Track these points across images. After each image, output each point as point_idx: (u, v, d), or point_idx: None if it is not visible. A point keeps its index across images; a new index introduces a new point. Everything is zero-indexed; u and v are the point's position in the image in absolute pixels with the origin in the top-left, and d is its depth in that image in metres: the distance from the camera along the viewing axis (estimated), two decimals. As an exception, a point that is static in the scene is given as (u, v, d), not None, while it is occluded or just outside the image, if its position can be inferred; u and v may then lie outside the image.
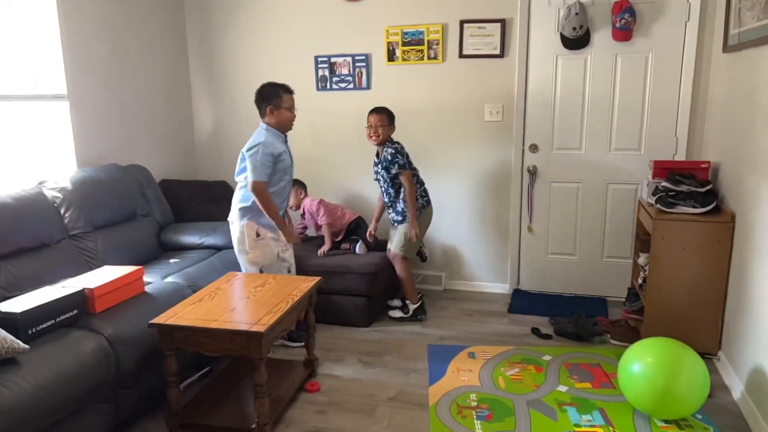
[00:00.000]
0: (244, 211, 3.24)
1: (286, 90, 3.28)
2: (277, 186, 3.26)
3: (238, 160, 3.26)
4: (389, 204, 3.79)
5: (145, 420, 2.74)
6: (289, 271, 3.41)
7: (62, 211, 3.18)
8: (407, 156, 3.70)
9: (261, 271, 3.26)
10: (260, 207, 3.18)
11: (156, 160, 4.27)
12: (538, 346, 3.43)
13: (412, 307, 3.85)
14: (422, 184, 3.84)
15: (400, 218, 3.74)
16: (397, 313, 3.88)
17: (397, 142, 3.71)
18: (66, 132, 3.52)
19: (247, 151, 3.16)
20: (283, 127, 3.28)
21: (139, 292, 2.88)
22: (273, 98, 3.22)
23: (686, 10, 3.66)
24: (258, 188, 3.14)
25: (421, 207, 3.78)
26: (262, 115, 3.26)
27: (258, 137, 3.20)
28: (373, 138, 3.66)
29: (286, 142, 3.33)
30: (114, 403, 2.52)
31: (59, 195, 3.19)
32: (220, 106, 4.68)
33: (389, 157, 3.61)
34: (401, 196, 3.69)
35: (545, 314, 3.86)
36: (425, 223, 3.86)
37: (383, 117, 3.64)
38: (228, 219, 3.35)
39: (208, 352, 2.51)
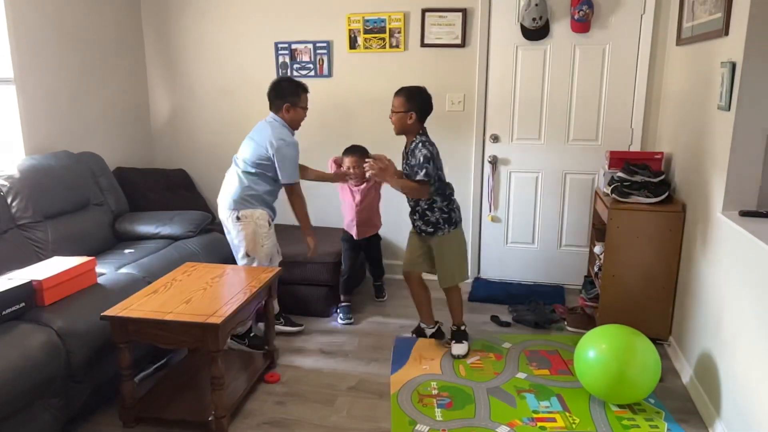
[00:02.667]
0: (257, 201, 3.16)
1: (305, 89, 3.24)
2: (272, 180, 3.20)
3: (252, 148, 3.13)
4: (412, 210, 3.20)
5: (99, 414, 2.67)
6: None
7: (9, 200, 3.06)
8: (438, 162, 3.05)
9: (270, 261, 3.26)
10: (294, 208, 3.20)
11: (110, 147, 4.14)
12: (498, 333, 3.48)
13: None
14: (452, 201, 3.18)
15: (431, 229, 3.14)
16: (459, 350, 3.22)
17: (430, 143, 3.04)
18: (13, 118, 3.37)
19: (277, 150, 3.06)
20: (296, 125, 3.24)
21: (92, 284, 2.80)
22: (292, 96, 3.16)
23: (642, 3, 3.73)
24: (297, 190, 3.17)
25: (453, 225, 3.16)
26: (276, 109, 3.18)
27: (281, 132, 3.12)
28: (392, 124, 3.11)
29: None
30: (65, 398, 2.44)
31: (6, 183, 3.06)
32: (177, 92, 4.56)
33: (421, 159, 2.96)
34: (435, 204, 3.09)
35: (504, 302, 3.91)
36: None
37: (401, 100, 3.04)
38: (228, 208, 3.16)
39: (163, 345, 2.47)
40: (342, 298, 3.75)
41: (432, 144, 3.05)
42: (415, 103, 3.01)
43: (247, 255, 3.19)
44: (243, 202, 3.15)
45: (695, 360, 2.82)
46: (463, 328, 3.27)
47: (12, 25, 3.29)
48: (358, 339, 3.44)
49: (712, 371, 2.56)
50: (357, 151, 3.67)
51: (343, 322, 3.65)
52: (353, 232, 3.76)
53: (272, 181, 3.21)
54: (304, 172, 3.47)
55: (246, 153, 3.19)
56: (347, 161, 3.65)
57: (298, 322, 3.54)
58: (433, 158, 2.98)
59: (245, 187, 3.16)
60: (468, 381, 2.92)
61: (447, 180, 3.18)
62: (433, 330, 3.40)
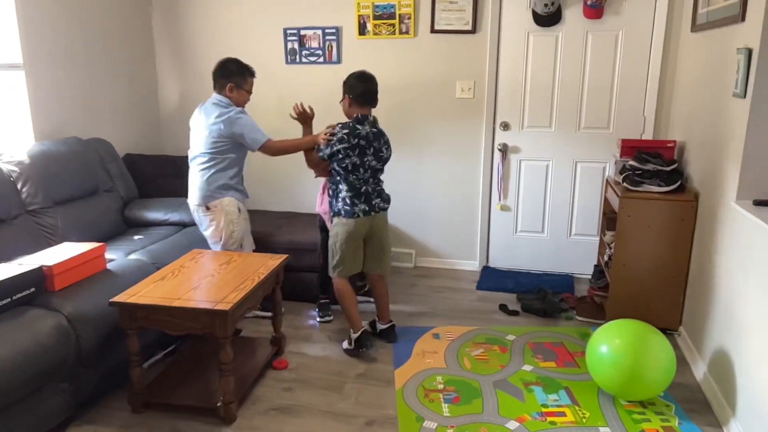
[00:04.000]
0: (223, 188, 3.13)
1: (251, 73, 3.22)
2: (234, 161, 3.16)
3: (204, 137, 3.09)
4: (373, 190, 3.13)
5: (108, 399, 2.69)
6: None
7: (19, 186, 3.07)
8: (344, 145, 2.98)
9: (241, 246, 3.23)
10: (284, 153, 3.19)
11: (119, 133, 4.14)
12: (503, 324, 3.46)
13: (352, 335, 3.12)
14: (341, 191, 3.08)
15: (387, 205, 3.20)
16: (344, 344, 3.20)
17: (354, 134, 3.01)
18: (23, 103, 3.38)
19: (231, 117, 3.03)
20: (239, 105, 3.19)
21: (101, 270, 2.81)
22: (237, 77, 3.14)
23: (657, -12, 3.67)
24: (272, 147, 3.11)
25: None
26: (219, 88, 3.15)
27: (229, 108, 3.09)
28: None
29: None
30: (75, 382, 2.46)
31: (16, 169, 3.07)
32: (186, 79, 4.55)
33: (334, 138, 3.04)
34: (332, 188, 3.12)
35: (513, 291, 3.90)
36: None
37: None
38: (198, 203, 3.15)
39: (171, 331, 2.47)
40: (320, 295, 3.60)
41: (355, 136, 2.99)
42: (345, 87, 3.13)
43: (216, 242, 3.20)
44: (209, 194, 3.13)
45: (707, 352, 2.79)
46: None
47: (21, 11, 3.28)
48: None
49: (726, 366, 2.53)
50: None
51: (321, 320, 3.52)
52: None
53: (234, 161, 3.16)
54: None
55: (200, 144, 3.12)
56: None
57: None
58: (342, 143, 2.97)
59: (208, 180, 3.11)
60: (474, 374, 2.89)
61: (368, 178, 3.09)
62: (386, 327, 3.29)
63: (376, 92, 3.14)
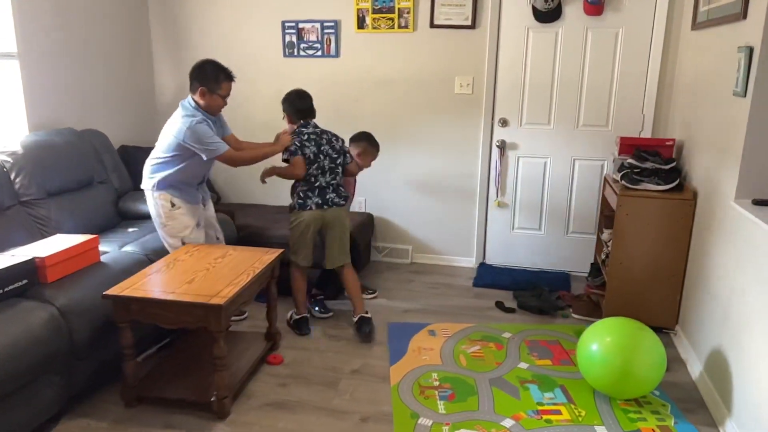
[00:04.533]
0: (158, 183, 3.04)
1: (228, 77, 3.03)
2: (198, 164, 3.02)
3: (170, 131, 2.98)
4: (327, 184, 3.29)
5: (101, 392, 2.67)
6: (218, 239, 3.36)
7: (12, 176, 3.03)
8: (303, 137, 3.21)
9: (183, 243, 3.10)
10: (248, 162, 3.14)
11: (114, 125, 4.10)
12: (499, 322, 3.44)
13: (295, 316, 3.35)
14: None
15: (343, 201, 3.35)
16: (288, 315, 3.41)
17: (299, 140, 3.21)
18: (16, 93, 3.34)
19: (187, 137, 2.89)
20: (212, 111, 3.05)
21: (95, 262, 2.78)
22: (210, 81, 2.95)
23: (658, -15, 3.65)
24: (231, 157, 3.00)
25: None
26: (193, 90, 2.98)
27: (188, 116, 2.93)
28: None
29: (216, 124, 3.10)
30: (67, 375, 2.44)
31: (9, 159, 3.03)
32: (182, 70, 4.50)
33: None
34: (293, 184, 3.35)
35: (509, 288, 3.89)
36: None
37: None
38: (142, 186, 3.13)
39: (165, 325, 2.45)
40: (315, 290, 3.64)
41: (306, 133, 3.24)
42: (283, 106, 3.34)
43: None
44: (147, 180, 3.08)
45: (704, 352, 2.79)
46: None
47: (16, 0, 3.24)
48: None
49: (723, 366, 2.52)
50: (364, 139, 3.60)
51: (321, 316, 3.52)
52: None
53: (186, 163, 3.01)
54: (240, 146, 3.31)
55: (160, 143, 3.04)
56: (354, 150, 3.54)
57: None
58: (301, 135, 3.23)
59: (152, 168, 3.06)
60: (469, 371, 2.88)
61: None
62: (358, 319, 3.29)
63: (312, 106, 3.35)
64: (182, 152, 2.97)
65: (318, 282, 3.67)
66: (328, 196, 3.23)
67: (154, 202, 3.09)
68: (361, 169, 3.59)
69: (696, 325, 2.93)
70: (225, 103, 3.09)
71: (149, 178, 3.09)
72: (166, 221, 3.09)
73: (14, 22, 3.24)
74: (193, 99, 3.01)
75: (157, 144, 3.09)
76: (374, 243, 4.44)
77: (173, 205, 3.07)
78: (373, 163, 3.66)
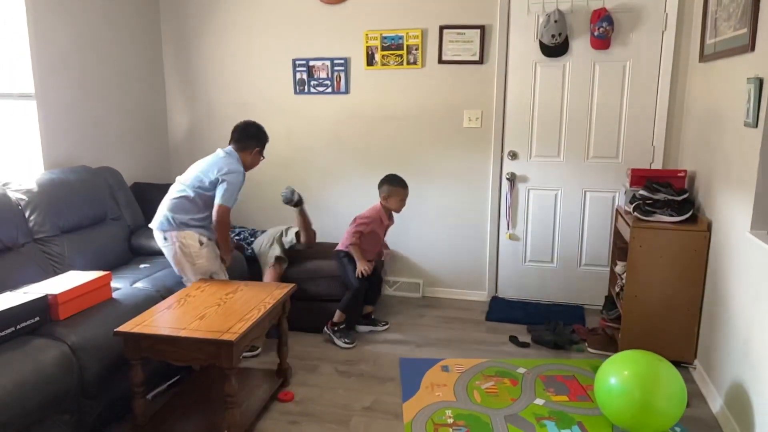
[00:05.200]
0: (187, 223, 3.11)
1: (268, 140, 3.39)
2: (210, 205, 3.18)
3: (203, 171, 3.14)
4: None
5: (111, 431, 2.63)
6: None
7: (27, 214, 3.06)
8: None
9: (211, 278, 3.18)
10: (218, 230, 3.14)
11: (128, 162, 4.16)
12: (513, 357, 3.39)
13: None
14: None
15: None
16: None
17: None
18: (33, 132, 3.40)
19: (226, 174, 3.09)
20: (250, 168, 3.31)
21: (106, 299, 2.78)
22: (262, 144, 3.32)
23: (663, 19, 3.69)
24: (225, 213, 3.10)
25: None
26: (242, 148, 3.24)
27: (235, 165, 3.16)
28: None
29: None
30: (77, 414, 2.42)
31: (24, 197, 3.07)
32: (195, 108, 4.59)
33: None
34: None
35: (523, 322, 3.84)
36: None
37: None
38: (157, 228, 3.15)
39: (176, 362, 2.43)
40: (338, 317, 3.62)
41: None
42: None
43: (178, 271, 3.19)
44: (169, 223, 3.11)
45: (724, 387, 2.72)
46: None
47: (34, 42, 3.33)
48: (373, 358, 3.38)
49: (744, 400, 2.46)
50: (385, 182, 3.66)
51: (347, 346, 3.53)
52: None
53: (205, 208, 3.16)
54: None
55: (190, 175, 3.16)
56: (400, 196, 3.64)
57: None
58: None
59: (176, 208, 3.12)
60: (484, 408, 2.82)
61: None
62: None
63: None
64: (213, 191, 3.12)
65: (347, 309, 3.60)
66: None
67: (179, 242, 3.10)
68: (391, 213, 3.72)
69: (715, 359, 2.87)
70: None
71: (175, 218, 3.11)
72: (196, 260, 3.12)
73: (32, 64, 3.33)
74: (236, 152, 3.24)
75: (184, 184, 3.15)
76: (385, 277, 4.42)
77: (201, 243, 3.13)
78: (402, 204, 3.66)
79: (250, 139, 3.27)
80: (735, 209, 2.69)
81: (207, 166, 3.15)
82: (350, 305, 3.57)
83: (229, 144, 3.28)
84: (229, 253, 3.29)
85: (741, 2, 2.70)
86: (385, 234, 3.78)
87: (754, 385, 2.38)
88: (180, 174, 4.65)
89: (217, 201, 3.08)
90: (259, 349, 3.42)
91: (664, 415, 2.46)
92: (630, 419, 2.49)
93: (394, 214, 3.75)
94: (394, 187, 3.61)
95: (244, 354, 3.28)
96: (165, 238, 3.13)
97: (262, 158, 3.36)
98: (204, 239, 3.15)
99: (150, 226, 3.22)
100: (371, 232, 3.61)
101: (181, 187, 3.16)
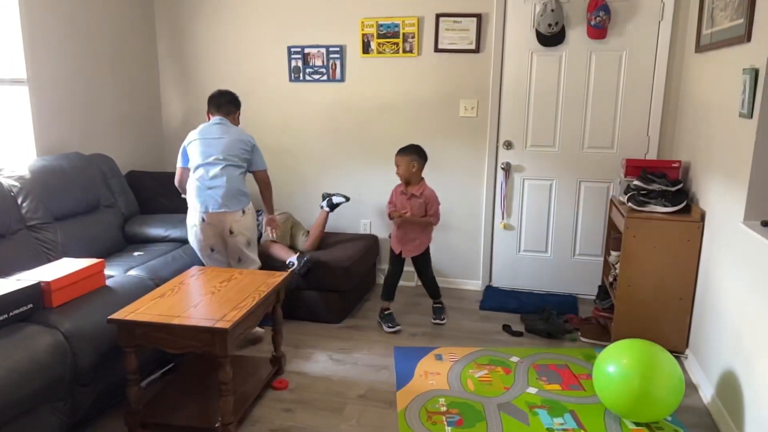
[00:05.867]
0: (247, 195, 3.30)
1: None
2: None
3: (230, 146, 3.23)
4: None
5: (104, 419, 2.64)
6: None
7: (19, 201, 3.04)
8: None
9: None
10: (267, 194, 3.43)
11: (122, 149, 4.13)
12: (507, 346, 3.40)
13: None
14: None
15: None
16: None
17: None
18: (25, 118, 3.37)
19: (252, 139, 3.34)
20: None
21: (100, 286, 2.77)
22: (240, 108, 3.50)
23: (660, 9, 3.68)
24: (268, 177, 3.42)
25: None
26: (227, 113, 3.38)
27: (240, 131, 3.35)
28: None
29: None
30: (71, 401, 2.42)
31: (16, 184, 3.05)
32: (189, 95, 4.56)
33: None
34: None
35: (516, 311, 3.85)
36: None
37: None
38: (234, 207, 3.19)
39: (170, 350, 2.42)
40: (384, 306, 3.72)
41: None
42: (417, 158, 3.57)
43: (248, 244, 3.34)
44: (246, 196, 3.29)
45: (716, 376, 2.74)
46: None
47: (26, 26, 3.29)
48: (367, 346, 3.39)
49: (735, 390, 2.48)
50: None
51: (391, 330, 3.59)
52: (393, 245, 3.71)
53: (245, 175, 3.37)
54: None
55: (230, 149, 3.22)
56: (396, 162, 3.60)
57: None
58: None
59: (242, 183, 3.28)
60: (477, 396, 2.83)
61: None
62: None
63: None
64: (246, 161, 3.32)
65: (385, 294, 3.72)
66: None
67: (251, 217, 3.33)
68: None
69: (707, 349, 2.89)
70: None
71: (243, 194, 3.26)
72: (254, 235, 3.42)
73: (24, 49, 3.29)
74: (228, 120, 3.38)
75: (235, 157, 3.23)
76: (379, 266, 4.43)
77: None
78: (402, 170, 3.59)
79: (230, 104, 3.41)
80: (729, 200, 2.70)
81: (235, 137, 3.27)
82: (382, 289, 3.76)
83: (213, 114, 3.38)
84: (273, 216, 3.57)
85: (738, -8, 2.69)
86: (419, 211, 3.60)
87: (745, 376, 2.40)
88: (173, 161, 4.62)
89: (262, 167, 3.37)
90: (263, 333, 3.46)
91: (661, 403, 2.48)
92: (627, 407, 2.51)
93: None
94: (398, 155, 3.58)
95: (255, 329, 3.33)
96: (243, 212, 3.26)
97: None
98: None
99: (221, 209, 3.17)
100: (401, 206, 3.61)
101: (233, 161, 3.23)
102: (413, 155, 3.52)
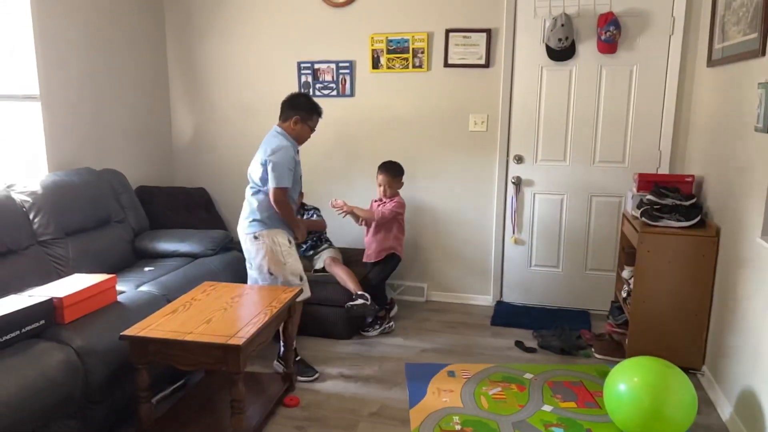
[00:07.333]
0: (273, 220, 3.07)
1: (319, 113, 3.21)
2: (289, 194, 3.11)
3: (261, 166, 3.03)
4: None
5: (115, 436, 2.61)
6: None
7: (31, 216, 3.04)
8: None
9: (301, 279, 3.16)
10: (279, 211, 3.04)
11: (132, 164, 4.14)
12: (520, 362, 3.36)
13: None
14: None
15: None
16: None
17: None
18: (37, 134, 3.38)
19: (270, 154, 2.99)
20: (300, 141, 3.18)
21: (111, 302, 2.76)
22: (305, 111, 3.12)
23: (671, 23, 3.68)
24: (279, 195, 2.99)
25: None
26: (285, 119, 3.12)
27: (279, 141, 3.05)
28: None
29: (297, 153, 3.18)
30: (82, 418, 2.40)
31: (28, 199, 3.05)
32: (199, 111, 4.57)
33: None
34: None
35: (528, 327, 3.81)
36: None
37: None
38: (246, 230, 3.11)
39: (182, 366, 2.41)
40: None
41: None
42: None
43: (270, 273, 3.09)
44: (259, 223, 3.08)
45: (734, 394, 2.69)
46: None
47: (39, 43, 3.32)
48: (378, 363, 3.36)
49: (755, 408, 2.43)
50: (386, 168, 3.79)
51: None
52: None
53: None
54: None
55: (251, 168, 3.14)
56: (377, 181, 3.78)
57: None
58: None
59: (260, 207, 3.08)
60: (491, 414, 2.79)
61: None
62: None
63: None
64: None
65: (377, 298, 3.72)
66: None
67: (270, 240, 3.05)
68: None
69: (724, 366, 2.85)
70: (310, 136, 3.25)
71: (266, 217, 3.06)
72: (286, 259, 3.08)
73: (37, 65, 3.31)
74: (282, 129, 3.12)
75: (254, 181, 3.10)
76: (389, 281, 4.40)
77: (290, 242, 3.13)
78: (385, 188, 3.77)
79: (289, 109, 3.13)
80: (745, 215, 2.67)
81: (259, 154, 3.08)
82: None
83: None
84: (300, 231, 3.21)
85: (751, 6, 2.69)
86: (384, 216, 3.75)
87: (765, 393, 2.36)
88: (183, 176, 4.62)
89: (269, 184, 2.99)
90: (317, 375, 3.20)
91: (674, 422, 2.44)
92: (639, 427, 2.46)
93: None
94: (380, 173, 3.80)
95: (300, 378, 3.13)
96: (256, 237, 3.06)
97: (309, 128, 3.18)
98: (292, 238, 3.15)
99: (239, 229, 3.16)
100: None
101: (253, 183, 3.12)
102: (401, 176, 3.82)
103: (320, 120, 3.23)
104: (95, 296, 2.65)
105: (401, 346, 3.60)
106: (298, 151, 3.16)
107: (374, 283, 3.78)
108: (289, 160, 3.01)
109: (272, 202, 3.01)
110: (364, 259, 3.86)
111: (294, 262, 3.13)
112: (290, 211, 3.10)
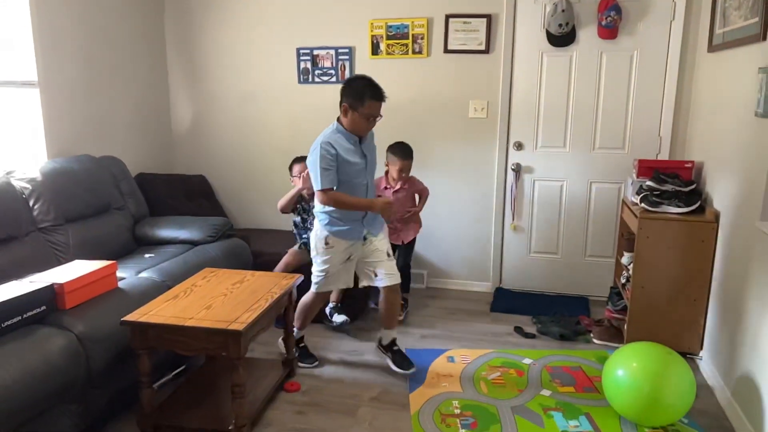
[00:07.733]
0: (320, 217, 2.91)
1: (375, 96, 2.75)
2: (347, 190, 2.81)
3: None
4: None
5: (117, 421, 2.63)
6: (375, 275, 2.99)
7: (31, 203, 3.04)
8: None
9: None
10: (343, 209, 2.80)
11: (131, 152, 4.13)
12: (519, 348, 3.38)
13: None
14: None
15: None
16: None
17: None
18: (36, 121, 3.37)
19: (308, 158, 2.80)
20: (355, 131, 2.82)
21: (112, 288, 2.76)
22: (354, 97, 2.73)
23: (671, 9, 3.66)
24: (325, 199, 2.76)
25: None
26: (340, 109, 2.81)
27: (318, 138, 2.79)
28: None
29: (360, 143, 2.86)
30: (84, 403, 2.41)
31: (28, 186, 3.05)
32: (198, 98, 4.56)
33: None
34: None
35: (527, 313, 3.83)
36: None
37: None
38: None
39: (183, 352, 2.42)
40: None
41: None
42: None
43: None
44: (321, 215, 2.92)
45: (732, 378, 2.71)
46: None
47: (37, 29, 3.29)
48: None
49: (753, 392, 2.45)
50: (388, 150, 3.69)
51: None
52: None
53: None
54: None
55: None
56: (396, 167, 3.62)
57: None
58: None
59: (318, 205, 2.92)
60: (491, 399, 2.81)
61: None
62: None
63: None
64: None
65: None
66: None
67: (315, 234, 2.93)
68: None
69: (723, 351, 2.86)
70: (369, 125, 2.82)
71: (319, 216, 2.92)
72: (318, 255, 2.93)
73: (36, 52, 3.30)
74: (339, 120, 2.83)
75: None
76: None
77: (327, 243, 2.88)
78: (399, 173, 3.62)
79: (340, 96, 2.78)
80: (744, 200, 2.68)
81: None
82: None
83: None
84: (377, 209, 2.86)
85: (753, -9, 2.67)
86: (405, 203, 3.70)
87: (763, 377, 2.37)
88: (183, 163, 4.61)
89: (314, 187, 2.79)
90: (316, 363, 3.18)
91: (672, 408, 2.46)
92: (637, 412, 2.49)
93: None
94: (391, 155, 3.63)
95: (300, 364, 3.14)
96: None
97: (360, 117, 2.75)
98: (332, 240, 2.87)
99: None
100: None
101: None
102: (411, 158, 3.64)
103: (383, 104, 2.81)
104: (96, 282, 2.66)
105: (401, 332, 3.60)
106: (356, 142, 2.83)
107: (403, 267, 3.54)
108: (320, 158, 2.71)
109: (322, 201, 2.82)
110: (393, 241, 3.54)
111: (321, 265, 2.94)
112: (347, 207, 2.82)
